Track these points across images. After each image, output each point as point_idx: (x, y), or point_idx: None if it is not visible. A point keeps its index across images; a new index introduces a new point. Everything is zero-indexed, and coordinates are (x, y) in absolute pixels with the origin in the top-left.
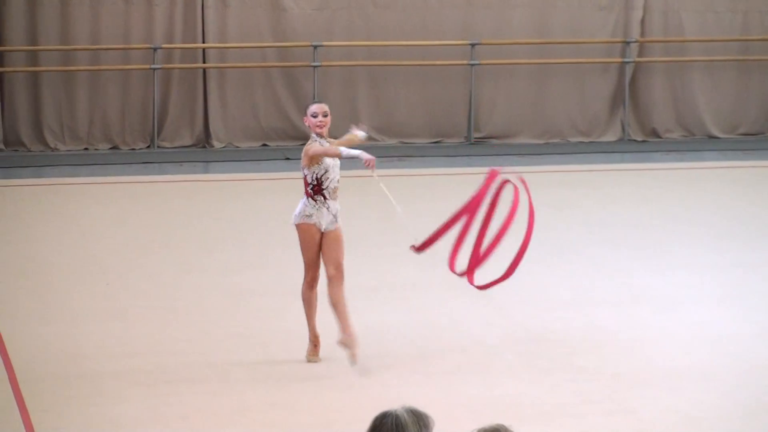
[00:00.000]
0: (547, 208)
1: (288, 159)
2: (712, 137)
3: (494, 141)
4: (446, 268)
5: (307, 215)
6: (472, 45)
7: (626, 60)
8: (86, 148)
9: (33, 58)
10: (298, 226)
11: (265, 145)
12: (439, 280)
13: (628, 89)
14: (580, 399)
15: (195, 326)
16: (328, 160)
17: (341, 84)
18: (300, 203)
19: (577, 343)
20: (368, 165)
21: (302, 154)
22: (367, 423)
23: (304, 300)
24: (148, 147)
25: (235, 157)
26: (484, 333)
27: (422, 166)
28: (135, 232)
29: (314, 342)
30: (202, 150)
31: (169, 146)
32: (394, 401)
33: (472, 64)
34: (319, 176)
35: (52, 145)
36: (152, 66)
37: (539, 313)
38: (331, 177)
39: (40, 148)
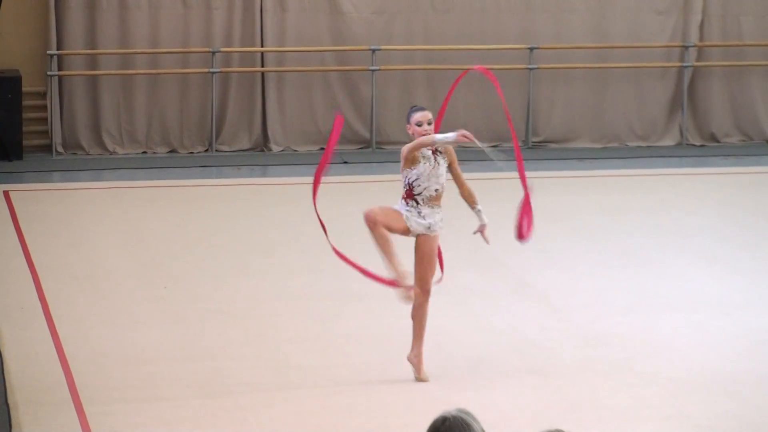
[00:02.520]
0: (605, 213)
1: (346, 162)
2: None
3: (552, 145)
4: (503, 271)
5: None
6: (531, 49)
7: (685, 64)
8: (144, 152)
9: (92, 62)
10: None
11: (323, 148)
12: (497, 284)
13: (686, 94)
14: (638, 403)
15: (253, 330)
16: (421, 167)
17: (400, 88)
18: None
19: (635, 347)
20: (467, 139)
21: (400, 156)
22: (425, 426)
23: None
24: (206, 150)
25: (293, 161)
26: (542, 337)
27: (480, 170)
28: (193, 236)
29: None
30: (260, 154)
31: (227, 150)
32: (452, 405)
33: (531, 69)
34: (410, 181)
35: (111, 149)
36: (211, 70)
37: (598, 317)
38: (424, 185)
39: (98, 151)
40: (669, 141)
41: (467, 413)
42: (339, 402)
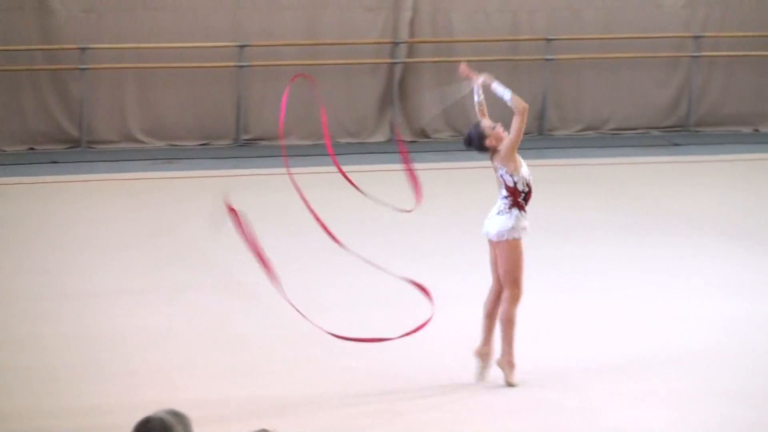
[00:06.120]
0: (315, 209)
1: (55, 162)
2: None
3: (263, 143)
4: (219, 269)
5: (523, 228)
6: (241, 47)
7: (395, 60)
8: None
9: None
10: (514, 242)
11: (32, 149)
12: (213, 282)
13: (397, 90)
14: (352, 401)
15: None
16: (525, 166)
17: (110, 87)
18: (506, 216)
19: (350, 343)
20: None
21: (499, 158)
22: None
23: (511, 321)
24: None
25: (1, 161)
26: (253, 333)
27: (191, 168)
28: None
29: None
30: None
31: None
32: (164, 405)
33: (241, 66)
34: (527, 181)
35: None
36: None
37: (308, 313)
38: (532, 185)
39: None
40: (380, 137)
41: (176, 414)
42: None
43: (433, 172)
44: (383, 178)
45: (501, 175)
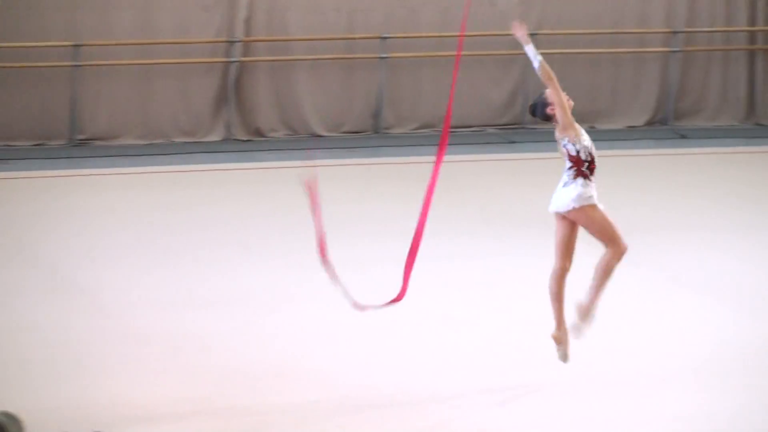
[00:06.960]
0: (152, 210)
1: None
2: (316, 136)
3: (98, 142)
4: (46, 268)
5: (588, 197)
6: (75, 46)
7: (231, 59)
8: None
9: None
10: (589, 207)
11: None
12: (48, 283)
13: (233, 89)
14: (185, 398)
15: None
16: (585, 135)
17: None
18: (572, 186)
19: (183, 343)
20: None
21: (560, 128)
22: None
23: (608, 273)
24: None
25: None
26: (89, 334)
27: (24, 168)
28: None
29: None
30: None
31: None
32: None
33: (75, 66)
34: (589, 150)
35: None
36: None
37: (145, 313)
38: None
39: None
40: (215, 136)
41: (9, 416)
42: None
43: (270, 171)
44: (219, 178)
45: (564, 146)
